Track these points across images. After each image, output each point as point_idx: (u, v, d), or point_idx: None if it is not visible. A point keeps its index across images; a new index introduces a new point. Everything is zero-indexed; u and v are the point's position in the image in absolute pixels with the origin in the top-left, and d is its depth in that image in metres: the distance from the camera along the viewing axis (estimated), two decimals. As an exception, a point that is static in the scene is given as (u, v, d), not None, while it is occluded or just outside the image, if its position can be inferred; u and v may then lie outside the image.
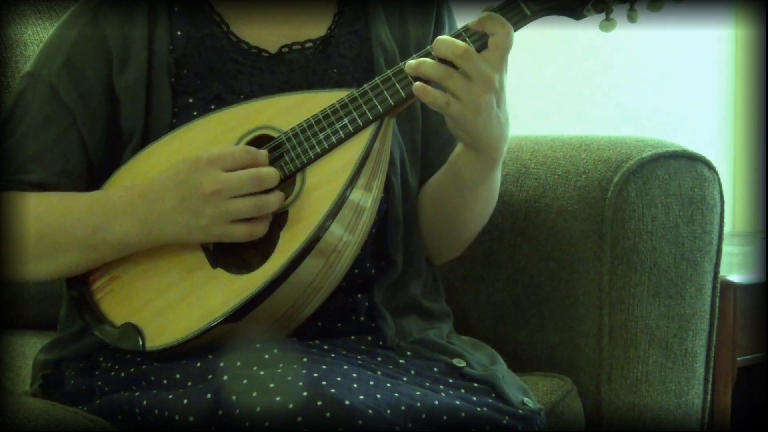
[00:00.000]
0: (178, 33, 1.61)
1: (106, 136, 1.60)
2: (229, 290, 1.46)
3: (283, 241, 1.47)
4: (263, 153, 1.48)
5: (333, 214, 1.47)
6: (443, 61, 1.48)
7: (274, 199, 1.47)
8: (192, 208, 1.46)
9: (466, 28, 1.50)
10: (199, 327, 1.45)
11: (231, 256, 1.50)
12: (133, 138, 1.58)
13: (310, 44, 1.63)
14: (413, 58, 1.50)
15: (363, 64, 1.64)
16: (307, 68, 1.62)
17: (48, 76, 1.59)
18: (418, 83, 1.48)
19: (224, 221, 1.46)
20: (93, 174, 1.60)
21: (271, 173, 1.47)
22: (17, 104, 1.61)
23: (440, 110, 1.49)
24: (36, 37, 1.99)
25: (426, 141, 1.69)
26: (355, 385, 1.39)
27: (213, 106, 1.57)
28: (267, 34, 1.62)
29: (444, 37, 1.48)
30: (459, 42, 1.47)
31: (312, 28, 1.64)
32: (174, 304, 1.49)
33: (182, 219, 1.47)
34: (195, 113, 1.57)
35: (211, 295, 1.47)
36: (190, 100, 1.59)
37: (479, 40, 1.49)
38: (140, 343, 1.48)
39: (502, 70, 1.49)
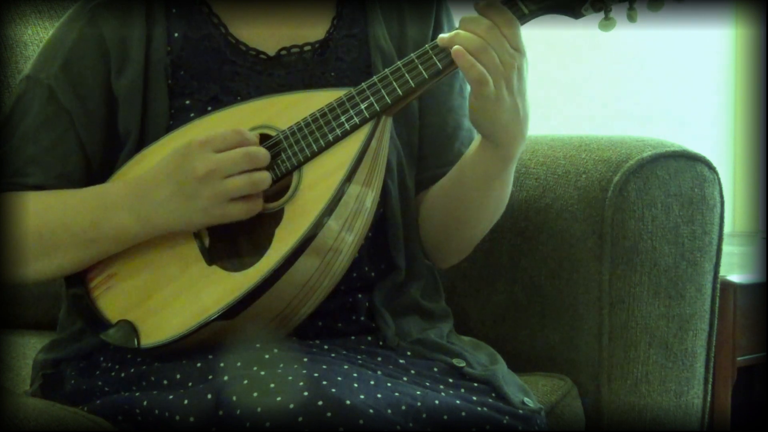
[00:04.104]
0: (176, 34, 1.61)
1: (104, 138, 1.60)
2: (224, 287, 1.46)
3: (278, 238, 1.47)
4: (253, 134, 1.48)
5: (329, 210, 1.47)
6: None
7: (268, 176, 1.47)
8: (188, 192, 1.46)
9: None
10: (194, 324, 1.46)
11: (227, 253, 1.50)
12: (129, 140, 1.58)
13: (308, 47, 1.62)
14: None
15: (361, 67, 1.64)
16: (304, 71, 1.61)
17: (46, 79, 1.59)
18: (458, 47, 1.46)
19: (222, 201, 1.45)
20: (92, 176, 1.60)
21: (261, 151, 1.47)
22: (16, 107, 1.61)
23: (476, 83, 1.47)
24: (36, 37, 1.99)
25: (423, 142, 1.68)
26: (355, 385, 1.39)
27: (210, 108, 1.57)
28: (266, 36, 1.62)
29: (469, 15, 1.47)
30: (483, 18, 1.46)
31: (311, 30, 1.64)
32: (169, 301, 1.49)
33: (180, 205, 1.47)
34: (192, 115, 1.57)
35: (206, 292, 1.47)
36: (187, 102, 1.58)
37: None
38: (135, 340, 1.48)
39: (521, 52, 1.48)
